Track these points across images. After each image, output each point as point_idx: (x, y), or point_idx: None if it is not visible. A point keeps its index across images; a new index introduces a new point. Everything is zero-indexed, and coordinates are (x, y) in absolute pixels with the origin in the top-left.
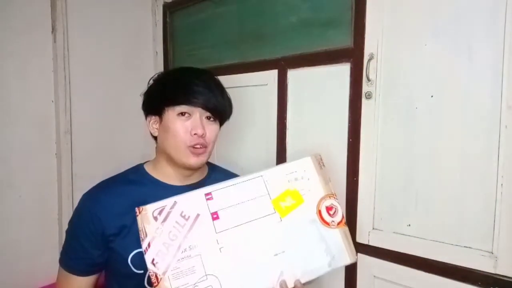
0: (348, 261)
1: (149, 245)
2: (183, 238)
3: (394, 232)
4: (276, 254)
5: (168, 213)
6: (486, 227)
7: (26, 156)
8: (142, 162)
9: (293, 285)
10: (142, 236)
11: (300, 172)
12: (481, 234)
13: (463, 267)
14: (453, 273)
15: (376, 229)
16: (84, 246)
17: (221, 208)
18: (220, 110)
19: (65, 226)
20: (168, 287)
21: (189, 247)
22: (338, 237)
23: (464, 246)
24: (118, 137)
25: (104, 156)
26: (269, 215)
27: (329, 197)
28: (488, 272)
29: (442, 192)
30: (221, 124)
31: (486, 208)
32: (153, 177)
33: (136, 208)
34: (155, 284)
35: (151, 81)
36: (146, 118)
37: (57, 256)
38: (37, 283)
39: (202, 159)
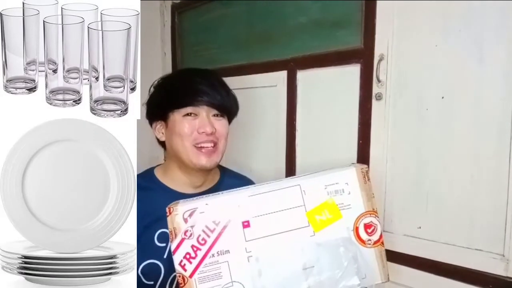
0: (379, 281)
1: (177, 246)
2: (211, 243)
3: (404, 235)
4: (305, 268)
5: (199, 216)
6: (497, 229)
7: None
8: (151, 166)
9: None
10: (172, 237)
11: (341, 185)
12: (492, 236)
13: (474, 270)
14: (464, 276)
15: (386, 231)
16: None
17: (253, 216)
18: (226, 105)
19: None
20: None
21: (217, 253)
22: (372, 257)
23: (475, 249)
24: None
25: None
26: (302, 227)
27: (370, 214)
28: (499, 275)
29: (453, 194)
30: (229, 121)
31: (498, 210)
32: (164, 184)
33: (167, 208)
34: (181, 285)
35: (152, 88)
36: (151, 126)
37: None
38: None
39: (214, 159)
